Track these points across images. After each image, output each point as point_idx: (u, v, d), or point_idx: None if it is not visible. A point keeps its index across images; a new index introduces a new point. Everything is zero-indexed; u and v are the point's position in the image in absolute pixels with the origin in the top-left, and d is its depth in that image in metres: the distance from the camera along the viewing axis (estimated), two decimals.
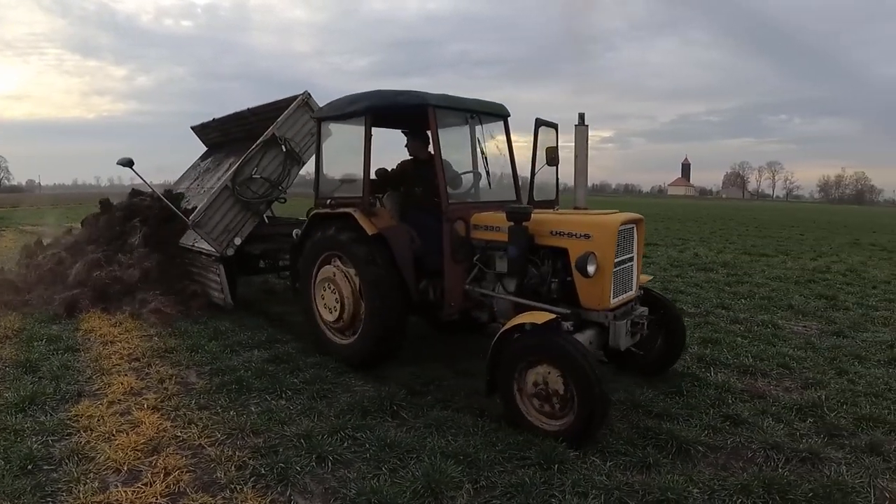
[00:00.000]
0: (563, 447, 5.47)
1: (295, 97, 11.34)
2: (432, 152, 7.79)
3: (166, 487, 4.93)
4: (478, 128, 8.47)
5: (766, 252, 21.81)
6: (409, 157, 8.81)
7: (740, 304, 12.04)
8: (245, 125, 13.34)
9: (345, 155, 8.78)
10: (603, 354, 6.95)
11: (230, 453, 5.46)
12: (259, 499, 4.82)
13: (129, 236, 12.06)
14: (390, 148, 8.55)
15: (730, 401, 6.86)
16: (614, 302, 6.42)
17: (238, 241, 10.86)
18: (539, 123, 7.52)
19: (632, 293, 6.90)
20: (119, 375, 7.46)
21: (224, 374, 7.49)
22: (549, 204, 8.08)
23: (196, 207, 11.02)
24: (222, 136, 14.87)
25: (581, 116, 7.50)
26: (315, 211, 8.35)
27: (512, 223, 6.66)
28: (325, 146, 8.69)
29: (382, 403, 6.55)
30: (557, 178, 8.22)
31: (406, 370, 7.68)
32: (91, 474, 5.11)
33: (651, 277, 8.12)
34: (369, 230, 7.38)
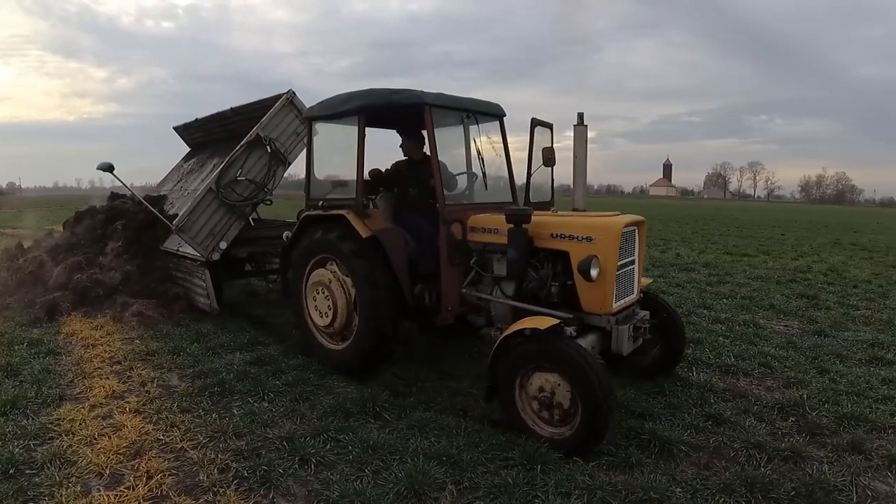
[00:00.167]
0: (545, 447, 5.47)
1: (279, 96, 11.12)
2: (427, 153, 7.76)
3: (149, 491, 4.92)
4: (472, 128, 8.30)
5: (747, 252, 21.89)
6: (402, 158, 8.67)
7: (722, 303, 12.07)
8: (228, 125, 13.12)
9: (337, 155, 8.71)
10: (601, 359, 6.77)
11: (213, 456, 5.45)
12: (242, 501, 4.82)
13: (111, 239, 11.99)
14: (377, 148, 8.46)
15: (712, 400, 6.89)
16: (616, 306, 6.32)
17: (224, 245, 10.65)
18: (535, 123, 7.40)
19: (633, 297, 6.81)
20: (101, 379, 7.43)
21: (206, 377, 7.46)
22: (544, 205, 7.91)
23: (180, 211, 10.87)
24: (205, 136, 14.61)
25: (580, 116, 7.43)
26: (306, 213, 8.17)
27: (512, 225, 6.54)
28: (316, 147, 8.53)
29: (365, 405, 6.53)
30: (553, 179, 8.11)
31: (388, 371, 7.63)
32: (73, 478, 5.09)
33: (651, 280, 8.10)
34: (363, 233, 7.25)
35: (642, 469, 5.28)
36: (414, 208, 8.18)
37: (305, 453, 5.43)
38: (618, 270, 6.22)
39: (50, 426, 6.07)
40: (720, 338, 9.39)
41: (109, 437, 5.80)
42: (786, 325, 10.51)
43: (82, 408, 6.53)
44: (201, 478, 5.11)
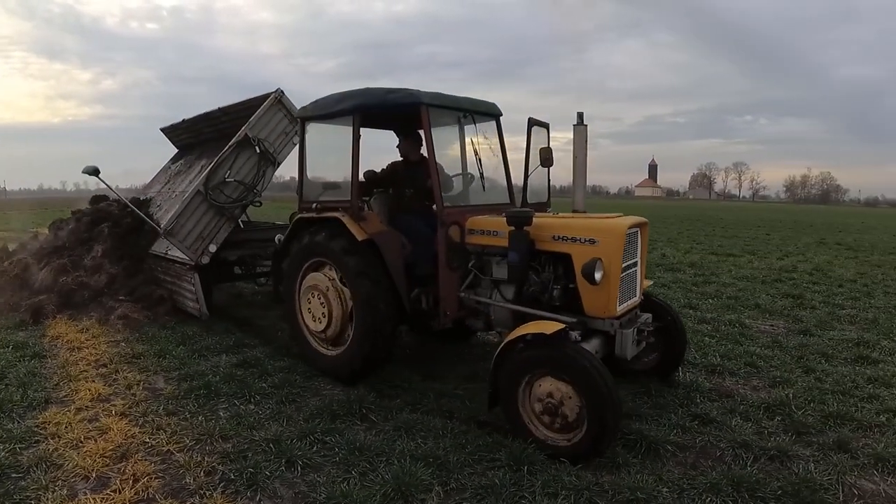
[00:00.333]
0: (532, 448, 5.48)
1: (267, 95, 11.04)
2: (424, 154, 7.65)
3: (135, 494, 4.91)
4: (468, 128, 8.19)
5: (732, 252, 22.02)
6: (396, 159, 8.57)
7: (707, 303, 12.13)
8: (216, 125, 12.98)
9: (330, 156, 8.59)
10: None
11: (199, 459, 5.44)
12: None
13: (96, 242, 11.91)
14: (365, 148, 8.31)
15: (698, 400, 6.92)
16: (620, 309, 6.18)
17: (213, 248, 10.56)
18: (532, 123, 7.32)
19: (636, 299, 6.71)
20: (86, 382, 7.41)
21: (192, 380, 7.44)
22: (541, 206, 7.79)
23: (168, 213, 10.83)
24: (193, 137, 14.44)
25: (580, 116, 7.36)
26: (299, 215, 8.00)
27: (513, 228, 6.41)
28: (309, 147, 8.33)
29: (351, 407, 6.52)
30: (549, 180, 8.01)
31: (374, 373, 7.60)
32: (59, 482, 5.08)
33: (652, 282, 8.04)
34: (359, 236, 7.06)
35: (629, 469, 5.29)
36: (410, 210, 8.10)
37: (292, 455, 5.43)
38: (621, 273, 6.10)
39: (36, 429, 6.06)
40: (706, 338, 9.42)
41: (95, 441, 5.79)
42: (771, 325, 10.57)
43: (68, 411, 6.51)
44: (188, 480, 5.11)
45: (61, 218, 14.08)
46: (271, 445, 5.65)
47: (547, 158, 7.36)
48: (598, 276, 5.79)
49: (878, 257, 21.53)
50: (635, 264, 6.59)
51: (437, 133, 7.52)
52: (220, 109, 12.57)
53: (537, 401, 5.61)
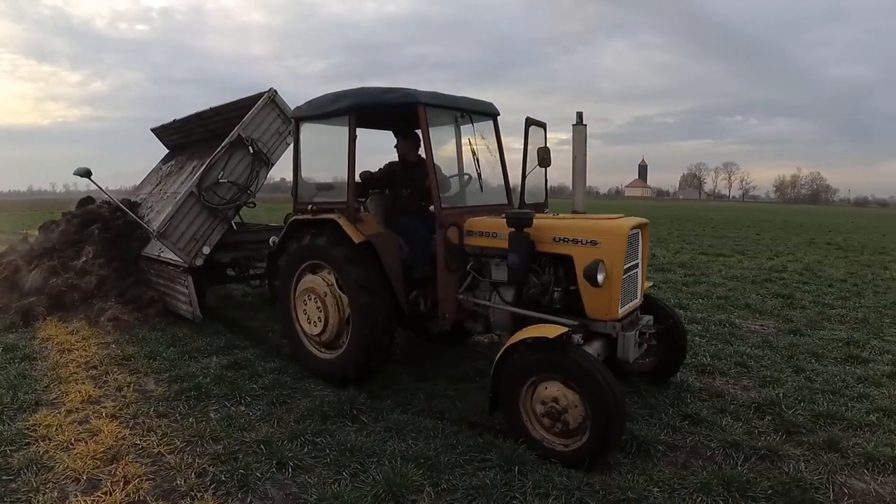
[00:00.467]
0: (523, 448, 5.49)
1: (260, 95, 10.89)
2: (422, 154, 7.57)
3: (126, 496, 4.91)
4: (465, 128, 8.11)
5: (722, 252, 22.07)
6: (391, 159, 8.49)
7: (697, 303, 12.15)
8: (208, 125, 12.82)
9: (325, 157, 8.49)
10: None
11: (190, 460, 5.43)
12: None
13: (86, 243, 11.86)
14: (359, 147, 8.17)
15: (688, 400, 6.93)
16: (621, 311, 6.10)
17: (207, 250, 10.44)
18: (529, 122, 7.12)
19: (637, 301, 6.66)
20: (77, 384, 7.39)
21: (183, 381, 7.43)
22: (538, 207, 7.63)
23: (160, 215, 10.76)
24: (184, 137, 14.28)
25: (579, 115, 7.33)
26: (294, 217, 7.83)
27: (513, 229, 6.31)
28: (303, 148, 8.17)
29: (342, 408, 6.52)
30: (546, 180, 7.92)
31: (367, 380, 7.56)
32: (50, 484, 5.08)
33: (651, 284, 7.95)
34: (356, 238, 6.95)
35: (620, 469, 5.30)
36: (406, 211, 8.02)
37: (283, 457, 5.43)
38: (623, 275, 6.02)
39: (26, 432, 6.04)
40: (696, 338, 9.42)
41: (86, 443, 5.78)
42: (761, 325, 10.60)
43: (58, 413, 6.50)
44: (178, 482, 5.10)
45: (51, 220, 14.03)
46: (262, 447, 5.64)
47: (545, 158, 7.23)
48: (600, 277, 5.75)
49: (868, 257, 21.63)
50: (636, 266, 6.54)
51: (434, 133, 7.43)
52: (211, 109, 12.42)
53: (540, 403, 5.52)
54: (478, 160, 7.87)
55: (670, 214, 59.55)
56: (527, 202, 7.30)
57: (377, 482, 4.99)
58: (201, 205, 10.30)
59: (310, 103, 7.95)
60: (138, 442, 5.84)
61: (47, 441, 5.84)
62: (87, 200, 13.46)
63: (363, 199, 8.20)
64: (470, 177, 8.10)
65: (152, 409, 6.61)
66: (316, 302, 7.40)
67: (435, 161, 7.19)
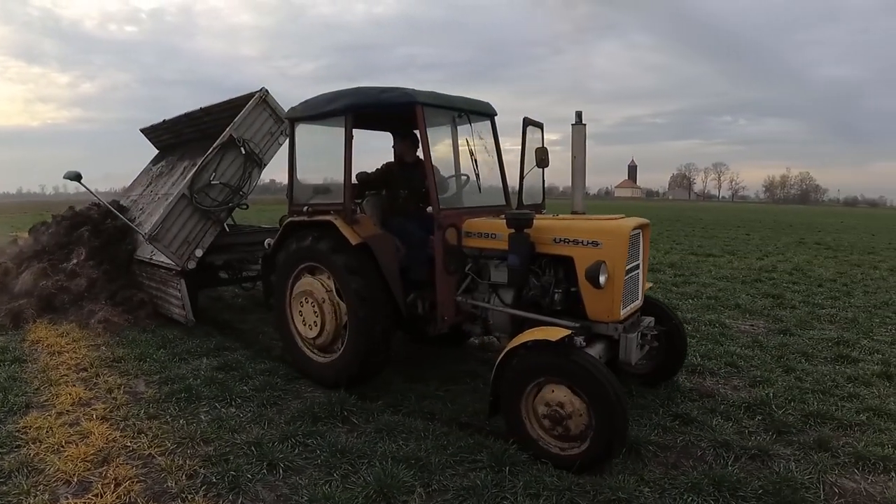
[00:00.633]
0: (514, 449, 5.49)
1: (252, 95, 10.70)
2: (420, 155, 7.55)
3: (117, 498, 4.90)
4: (462, 128, 8.05)
5: (712, 252, 22.10)
6: (385, 159, 8.41)
7: (687, 304, 12.17)
8: (198, 125, 12.68)
9: (321, 158, 8.32)
10: None
11: (181, 462, 5.42)
12: None
13: (76, 245, 11.83)
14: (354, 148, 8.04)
15: (679, 400, 6.94)
16: (623, 313, 6.03)
17: (199, 252, 10.30)
18: (527, 123, 6.89)
19: (638, 303, 6.62)
20: (67, 386, 7.37)
21: (173, 383, 7.41)
22: (535, 208, 7.43)
23: (151, 217, 10.71)
24: (174, 137, 14.11)
25: (578, 115, 7.29)
26: (290, 219, 7.73)
27: (513, 230, 6.22)
28: (298, 149, 8.07)
29: (333, 409, 6.51)
30: (544, 181, 7.79)
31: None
32: (41, 486, 5.07)
33: (651, 285, 7.87)
34: (353, 239, 6.85)
35: (610, 469, 5.29)
36: (403, 213, 7.95)
37: (274, 458, 5.42)
38: (625, 276, 5.96)
39: (17, 434, 6.03)
40: (686, 338, 9.37)
41: (77, 445, 5.77)
42: (751, 325, 10.64)
43: (49, 415, 6.49)
44: (169, 484, 5.10)
45: (41, 222, 13.97)
46: (253, 448, 5.64)
47: (543, 159, 7.02)
48: (602, 279, 5.71)
49: (858, 257, 21.72)
50: (637, 267, 6.50)
51: (431, 133, 7.34)
52: (201, 109, 12.27)
53: (544, 405, 5.43)
54: (476, 161, 7.76)
55: (660, 215, 59.59)
56: (524, 203, 7.18)
57: (368, 483, 4.99)
58: (193, 207, 10.16)
59: (305, 104, 7.86)
60: (129, 444, 5.83)
61: (38, 443, 5.84)
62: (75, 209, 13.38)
63: (359, 201, 8.11)
64: (468, 178, 8.00)
65: (143, 411, 6.60)
66: (313, 306, 7.31)
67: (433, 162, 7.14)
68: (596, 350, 5.90)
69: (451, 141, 8.44)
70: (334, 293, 7.19)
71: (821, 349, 9.02)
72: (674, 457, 5.65)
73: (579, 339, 5.67)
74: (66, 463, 5.40)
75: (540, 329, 5.69)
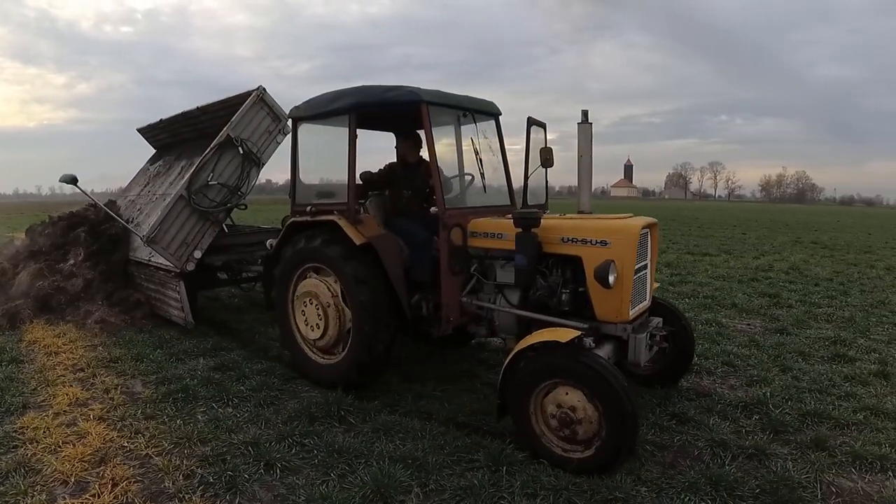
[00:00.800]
0: (510, 449, 5.50)
1: (249, 93, 10.60)
2: (423, 155, 7.51)
3: (114, 498, 4.90)
4: (465, 128, 7.97)
5: (708, 251, 22.14)
6: (385, 160, 8.32)
7: (684, 303, 12.15)
8: (195, 125, 12.57)
9: (324, 157, 8.29)
10: None
11: (178, 462, 5.42)
12: None
13: (73, 246, 11.82)
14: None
15: (676, 399, 6.93)
16: (632, 313, 5.94)
17: (198, 254, 10.21)
18: (531, 122, 6.82)
19: (646, 303, 6.53)
20: (64, 386, 7.37)
21: (170, 383, 7.41)
22: (539, 208, 7.13)
23: (149, 217, 10.65)
24: (171, 137, 13.99)
25: (584, 113, 7.25)
26: (292, 219, 7.66)
27: (520, 229, 6.13)
28: (301, 149, 7.97)
29: (329, 409, 6.51)
30: (547, 181, 7.46)
31: None
32: (38, 487, 5.07)
33: (658, 285, 7.81)
34: (357, 240, 6.80)
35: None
36: (406, 213, 7.87)
37: (271, 458, 5.42)
38: (633, 275, 5.88)
39: (14, 434, 6.03)
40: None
41: (74, 445, 5.76)
42: (748, 324, 10.65)
43: (46, 416, 6.49)
44: (167, 484, 5.10)
45: (38, 222, 13.95)
46: (250, 448, 5.64)
47: (547, 159, 6.87)
48: (611, 278, 5.61)
49: (854, 256, 21.76)
50: (645, 266, 6.42)
51: (434, 132, 7.15)
52: (198, 109, 12.14)
53: (555, 405, 5.34)
54: (481, 160, 7.66)
55: (656, 214, 58.95)
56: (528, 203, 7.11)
57: (365, 483, 4.99)
58: (191, 208, 10.08)
59: (308, 103, 7.79)
60: (126, 444, 5.83)
61: (35, 444, 5.83)
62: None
63: (363, 201, 8.04)
64: (472, 177, 7.93)
65: (140, 412, 6.59)
66: (317, 308, 7.25)
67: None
68: (605, 351, 5.83)
69: (454, 140, 8.35)
70: (340, 298, 7.10)
71: (817, 348, 9.03)
72: (671, 456, 5.64)
73: (588, 341, 5.62)
74: (63, 463, 5.40)
75: (549, 330, 5.64)
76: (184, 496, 4.92)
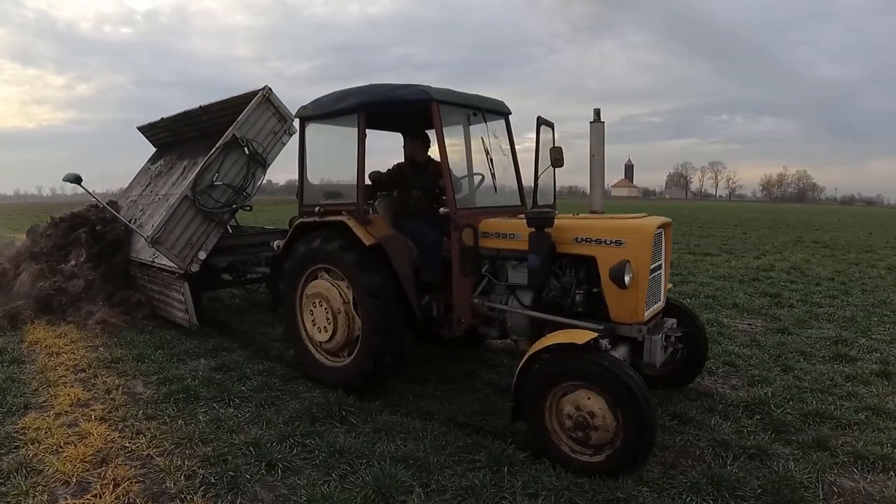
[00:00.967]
0: (512, 449, 5.50)
1: (255, 93, 10.48)
2: (431, 155, 7.47)
3: (116, 499, 4.90)
4: (474, 127, 7.90)
5: (709, 251, 22.13)
6: (391, 160, 8.22)
7: (685, 303, 12.00)
8: (197, 124, 12.51)
9: (332, 158, 8.22)
10: None
11: (179, 463, 5.42)
12: None
13: (74, 247, 11.81)
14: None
15: (677, 399, 6.91)
16: (647, 314, 5.86)
17: (203, 255, 10.10)
18: (540, 122, 6.68)
19: (661, 304, 6.47)
20: (65, 387, 7.37)
21: (171, 384, 7.41)
22: (548, 208, 6.93)
23: (152, 217, 10.64)
24: (172, 136, 13.88)
25: (597, 112, 7.21)
26: (300, 220, 7.60)
27: (533, 229, 6.04)
28: (309, 149, 7.90)
29: (331, 409, 6.51)
30: (555, 181, 7.32)
31: None
32: (40, 487, 5.07)
33: (672, 286, 7.72)
34: (366, 240, 6.72)
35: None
36: (415, 213, 7.81)
37: (272, 458, 5.42)
38: (648, 275, 5.81)
39: (15, 435, 6.03)
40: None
41: (75, 446, 5.77)
42: (749, 324, 10.65)
43: (47, 416, 6.49)
44: (168, 485, 5.10)
45: (39, 223, 13.95)
46: (251, 449, 5.64)
47: (558, 159, 6.70)
48: (627, 279, 5.54)
49: (855, 255, 21.74)
50: (660, 266, 6.34)
51: (444, 132, 6.99)
52: (200, 108, 12.05)
53: (574, 406, 5.23)
54: (491, 160, 7.53)
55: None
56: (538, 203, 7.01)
57: (366, 483, 4.99)
58: (196, 209, 9.99)
59: (315, 102, 7.72)
60: (127, 444, 5.83)
61: (37, 444, 5.83)
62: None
63: (371, 201, 7.90)
64: (483, 177, 7.85)
65: (141, 412, 6.59)
66: (326, 311, 7.16)
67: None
68: (620, 353, 5.72)
69: (462, 140, 8.26)
70: (351, 305, 7.03)
71: (819, 348, 9.02)
72: (672, 456, 5.63)
73: (604, 342, 5.50)
74: (64, 463, 5.40)
75: (565, 332, 5.58)
76: (185, 497, 4.92)
